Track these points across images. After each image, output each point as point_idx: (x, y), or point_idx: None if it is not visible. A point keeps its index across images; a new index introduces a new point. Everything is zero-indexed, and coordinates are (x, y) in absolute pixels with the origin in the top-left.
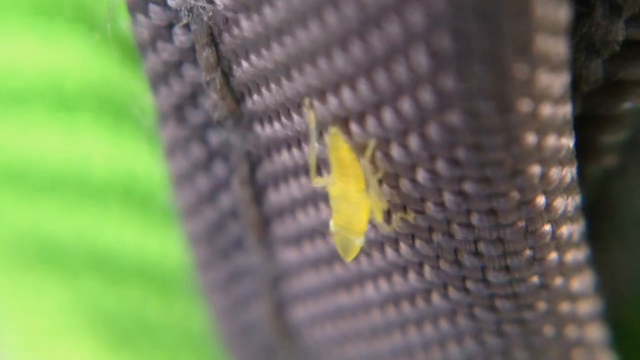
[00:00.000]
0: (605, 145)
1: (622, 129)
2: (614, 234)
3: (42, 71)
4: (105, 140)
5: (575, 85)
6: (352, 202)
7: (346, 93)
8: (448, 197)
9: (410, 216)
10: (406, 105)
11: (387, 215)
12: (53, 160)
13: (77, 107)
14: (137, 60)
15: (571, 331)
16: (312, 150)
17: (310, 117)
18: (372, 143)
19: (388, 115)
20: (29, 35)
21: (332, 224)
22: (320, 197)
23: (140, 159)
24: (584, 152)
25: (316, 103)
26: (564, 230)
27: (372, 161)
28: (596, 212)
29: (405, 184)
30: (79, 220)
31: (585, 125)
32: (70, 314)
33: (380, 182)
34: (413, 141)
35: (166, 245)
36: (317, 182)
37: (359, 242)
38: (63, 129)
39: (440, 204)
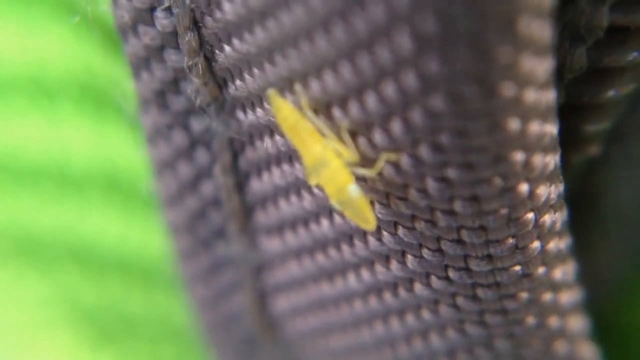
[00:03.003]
0: (589, 135)
1: (606, 118)
2: (595, 226)
3: (22, 59)
4: (87, 130)
5: (559, 73)
6: (324, 160)
7: (329, 77)
8: (431, 184)
9: (395, 156)
10: (389, 89)
11: (368, 163)
12: (33, 151)
13: (58, 96)
14: (119, 45)
15: (553, 321)
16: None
17: (304, 102)
18: (303, 98)
19: (371, 100)
20: (8, 23)
21: (331, 202)
22: (303, 185)
23: (123, 148)
24: (567, 141)
25: (299, 87)
26: (547, 218)
27: (328, 116)
28: (578, 203)
29: (387, 170)
30: (59, 212)
31: (569, 114)
32: (49, 308)
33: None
34: (396, 126)
35: (148, 237)
36: (311, 183)
37: (353, 189)
38: (43, 118)
39: (423, 191)
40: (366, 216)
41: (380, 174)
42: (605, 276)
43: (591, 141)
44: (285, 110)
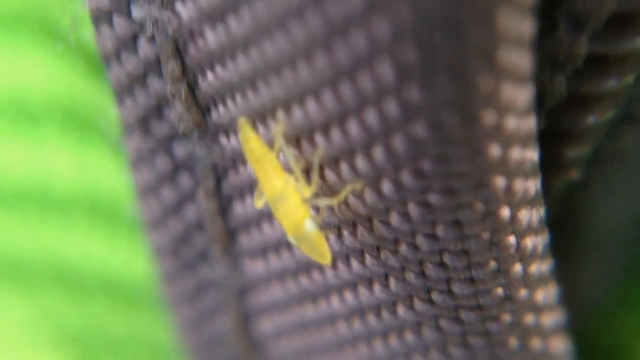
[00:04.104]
0: (570, 160)
1: (586, 144)
2: (577, 249)
3: (5, 83)
4: (70, 154)
5: (539, 100)
6: (283, 195)
7: (311, 105)
8: (413, 208)
9: (360, 185)
10: (371, 116)
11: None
12: (16, 174)
13: (41, 120)
14: (103, 71)
15: (535, 343)
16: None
17: (278, 129)
18: (279, 126)
19: (353, 127)
20: None
21: (289, 237)
22: None
23: (106, 172)
24: (548, 166)
25: (281, 115)
26: (528, 242)
27: (310, 143)
28: (560, 227)
29: (370, 195)
30: (42, 235)
31: (550, 139)
32: (32, 330)
33: (306, 171)
34: (378, 152)
35: (132, 259)
36: (257, 206)
37: (309, 225)
38: (26, 142)
39: (405, 215)
40: (322, 251)
41: (346, 203)
42: (588, 298)
43: (572, 166)
44: (252, 142)
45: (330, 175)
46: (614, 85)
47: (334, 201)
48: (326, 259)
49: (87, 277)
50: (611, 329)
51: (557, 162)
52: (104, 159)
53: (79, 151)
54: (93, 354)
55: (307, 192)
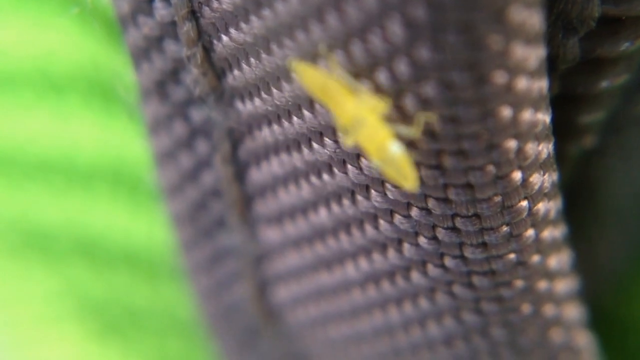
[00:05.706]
0: (584, 125)
1: (600, 109)
2: (593, 218)
3: (31, 54)
4: (95, 124)
5: (553, 63)
6: (361, 119)
7: (324, 66)
8: (425, 171)
9: (434, 117)
10: (382, 76)
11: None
12: (41, 145)
13: (66, 90)
14: (120, 36)
15: (549, 309)
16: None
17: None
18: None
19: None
20: (17, 18)
21: (373, 161)
22: (302, 174)
23: (130, 142)
24: (563, 132)
25: (295, 77)
26: (541, 206)
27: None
28: (576, 195)
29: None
30: (67, 206)
31: (564, 104)
32: (58, 302)
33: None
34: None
35: (154, 230)
36: (347, 143)
37: (394, 148)
38: (51, 112)
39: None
40: (406, 173)
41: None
42: (605, 268)
43: (586, 132)
44: (311, 73)
45: None
46: (627, 48)
47: (414, 132)
48: (410, 180)
49: (110, 248)
50: (628, 301)
51: (572, 127)
52: (128, 130)
53: (102, 121)
54: (116, 326)
55: (381, 107)
